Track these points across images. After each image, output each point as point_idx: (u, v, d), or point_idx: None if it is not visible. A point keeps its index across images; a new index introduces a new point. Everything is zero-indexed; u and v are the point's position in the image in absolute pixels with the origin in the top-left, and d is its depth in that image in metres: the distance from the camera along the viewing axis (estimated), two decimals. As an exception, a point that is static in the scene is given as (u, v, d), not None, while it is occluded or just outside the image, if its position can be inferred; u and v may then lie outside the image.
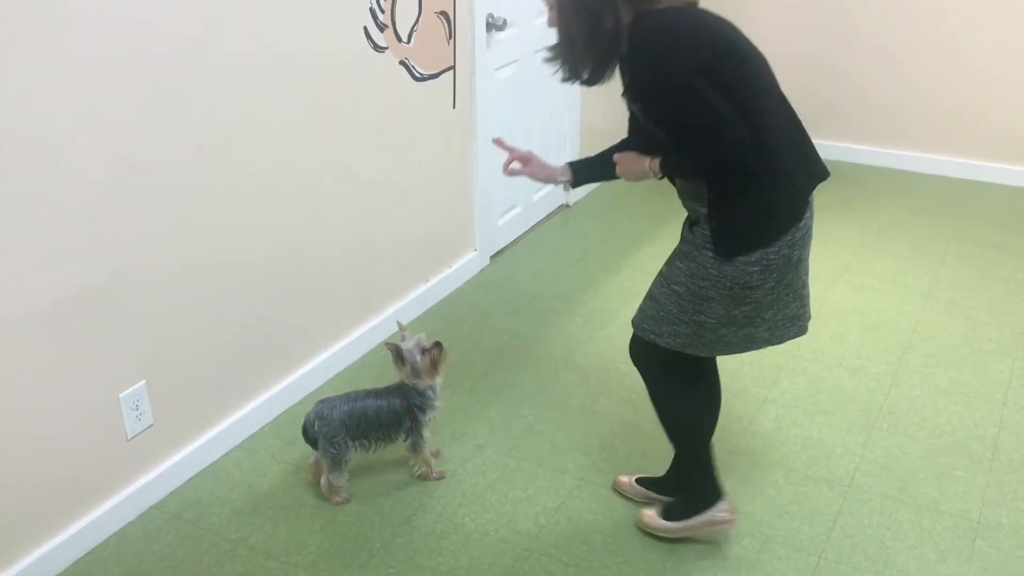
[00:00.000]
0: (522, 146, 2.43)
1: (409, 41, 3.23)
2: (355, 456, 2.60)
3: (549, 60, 2.07)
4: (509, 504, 2.62)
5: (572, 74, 2.04)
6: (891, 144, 5.06)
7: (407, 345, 2.55)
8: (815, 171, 2.10)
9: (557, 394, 3.13)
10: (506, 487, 2.69)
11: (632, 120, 2.27)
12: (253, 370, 2.90)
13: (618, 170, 2.25)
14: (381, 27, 3.07)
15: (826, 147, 5.19)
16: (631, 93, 2.03)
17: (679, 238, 2.20)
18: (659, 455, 2.80)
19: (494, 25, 3.69)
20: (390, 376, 2.61)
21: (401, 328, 2.63)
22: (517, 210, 4.26)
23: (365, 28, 3.01)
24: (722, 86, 1.90)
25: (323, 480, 2.60)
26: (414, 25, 3.23)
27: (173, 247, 2.51)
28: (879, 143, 5.08)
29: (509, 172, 2.40)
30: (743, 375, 3.20)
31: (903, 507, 2.59)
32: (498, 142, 2.41)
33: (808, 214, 2.09)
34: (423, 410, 2.60)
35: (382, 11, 3.05)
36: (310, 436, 2.58)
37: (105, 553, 2.44)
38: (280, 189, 2.83)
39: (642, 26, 1.93)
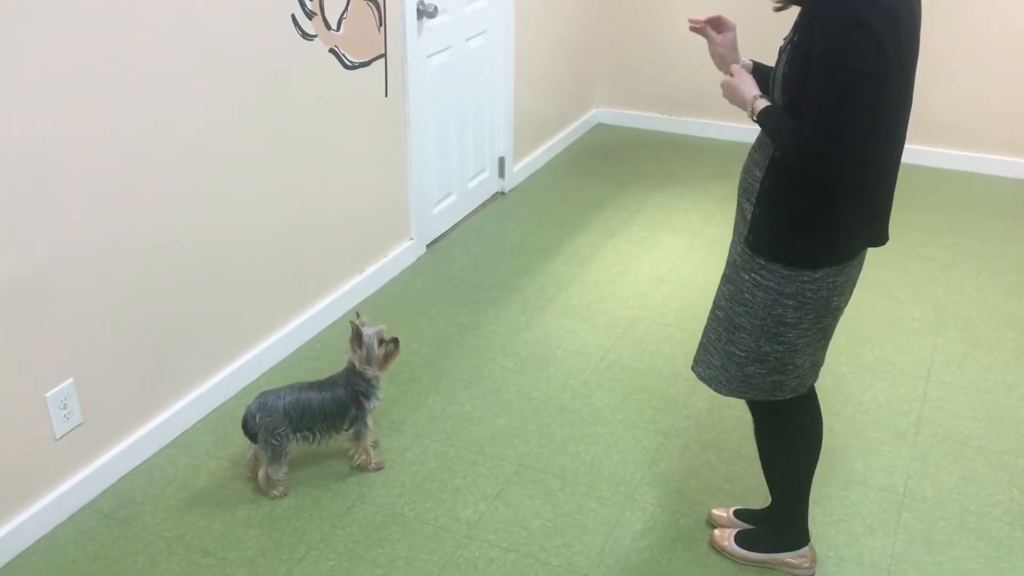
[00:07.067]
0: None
1: (339, 29, 3.19)
2: (294, 448, 2.58)
3: None
4: (449, 492, 2.63)
5: None
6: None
7: (368, 331, 2.56)
8: (876, 230, 1.98)
9: (495, 381, 3.14)
10: (445, 475, 2.69)
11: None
12: (185, 366, 2.85)
13: (724, 81, 1.99)
14: (310, 15, 3.03)
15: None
16: (797, 48, 1.81)
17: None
18: (597, 439, 2.84)
19: (425, 12, 3.67)
20: (325, 369, 2.60)
21: (359, 317, 2.63)
22: (452, 198, 4.25)
23: (293, 16, 2.96)
24: (879, 95, 1.74)
25: (261, 474, 2.58)
26: (343, 12, 3.19)
27: (98, 241, 2.45)
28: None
29: (692, 27, 2.07)
30: (676, 359, 3.25)
31: (832, 483, 2.66)
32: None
33: (855, 266, 2.00)
34: (368, 397, 2.61)
35: (310, -1, 3.02)
36: (250, 429, 2.56)
37: (36, 556, 2.39)
38: (209, 182, 2.79)
39: None
